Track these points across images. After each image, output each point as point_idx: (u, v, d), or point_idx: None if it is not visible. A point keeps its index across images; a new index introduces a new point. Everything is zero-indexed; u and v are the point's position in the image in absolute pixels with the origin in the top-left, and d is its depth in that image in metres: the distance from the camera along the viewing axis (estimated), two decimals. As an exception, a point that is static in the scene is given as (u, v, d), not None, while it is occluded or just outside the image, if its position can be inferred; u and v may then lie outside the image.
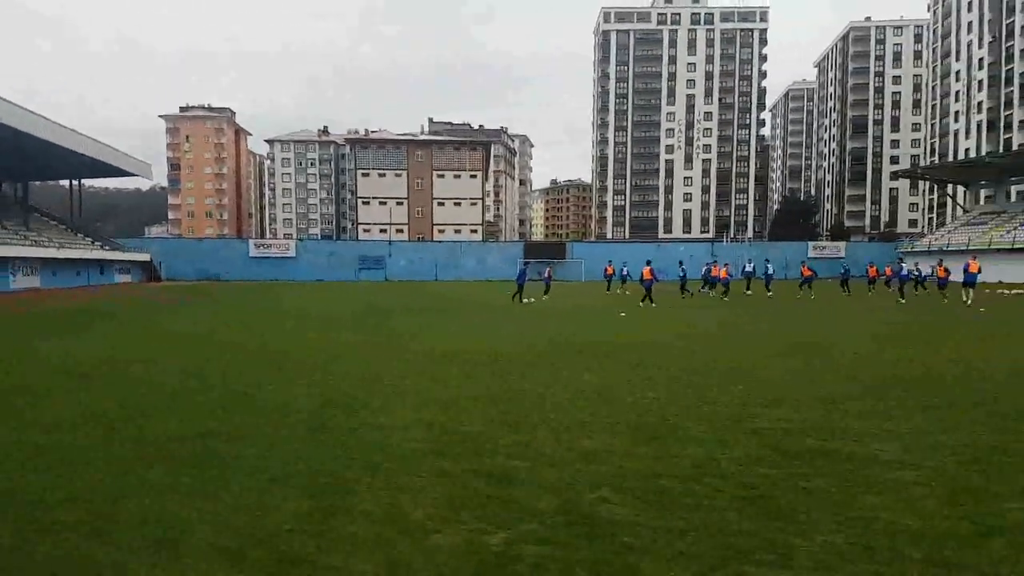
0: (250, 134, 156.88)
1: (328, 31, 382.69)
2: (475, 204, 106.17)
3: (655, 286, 28.76)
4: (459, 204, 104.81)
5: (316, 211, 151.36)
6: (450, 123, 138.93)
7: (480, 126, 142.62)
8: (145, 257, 64.38)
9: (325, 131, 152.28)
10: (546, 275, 35.63)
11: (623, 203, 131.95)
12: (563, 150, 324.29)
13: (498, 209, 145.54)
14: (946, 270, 30.22)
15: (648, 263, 28.98)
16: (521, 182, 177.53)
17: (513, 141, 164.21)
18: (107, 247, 56.74)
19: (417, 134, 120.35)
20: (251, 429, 6.87)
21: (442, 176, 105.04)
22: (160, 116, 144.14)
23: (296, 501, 4.77)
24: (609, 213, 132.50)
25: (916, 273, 36.78)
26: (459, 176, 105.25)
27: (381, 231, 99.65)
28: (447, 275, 76.37)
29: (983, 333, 16.41)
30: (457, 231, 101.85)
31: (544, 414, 7.48)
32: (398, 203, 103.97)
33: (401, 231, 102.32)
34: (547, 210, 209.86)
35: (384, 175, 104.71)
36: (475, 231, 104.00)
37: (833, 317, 21.65)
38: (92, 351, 13.06)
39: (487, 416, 7.41)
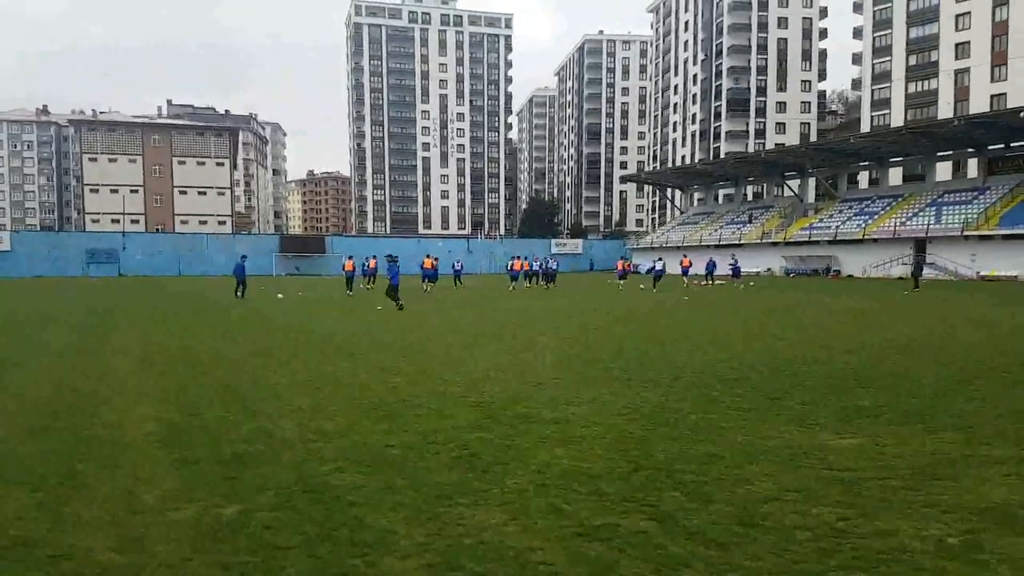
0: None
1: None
2: (223, 194, 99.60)
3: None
4: (204, 193, 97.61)
5: (35, 199, 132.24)
6: (192, 107, 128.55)
7: (226, 111, 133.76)
8: None
9: (44, 110, 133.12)
10: (458, 266, 39.28)
11: (383, 197, 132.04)
12: (320, 141, 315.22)
13: (250, 200, 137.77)
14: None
15: (388, 256, 30.47)
16: (275, 172, 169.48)
17: (264, 129, 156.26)
18: None
19: (154, 117, 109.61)
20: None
21: (184, 163, 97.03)
22: None
23: (24, 494, 4.76)
24: (369, 207, 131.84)
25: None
26: (203, 163, 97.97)
27: (113, 221, 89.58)
28: (193, 270, 71.09)
29: (680, 318, 19.56)
30: (203, 222, 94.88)
31: (285, 403, 7.83)
32: (132, 191, 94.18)
33: (137, 222, 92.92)
34: (305, 202, 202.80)
35: (115, 160, 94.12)
36: (223, 222, 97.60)
37: (548, 307, 24.19)
38: None
39: (224, 408, 7.60)
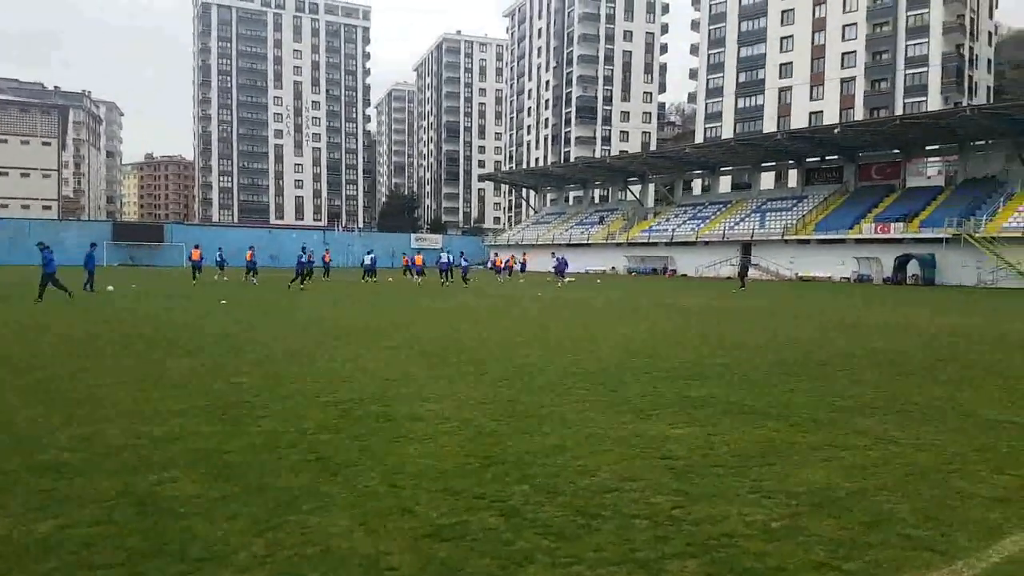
0: None
1: None
2: (48, 176, 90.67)
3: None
4: (27, 175, 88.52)
5: None
6: (17, 80, 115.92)
7: (56, 87, 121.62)
8: None
9: None
10: (464, 262, 39.83)
11: (230, 185, 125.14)
12: (161, 123, 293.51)
13: (79, 183, 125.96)
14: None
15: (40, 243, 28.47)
16: (109, 154, 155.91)
17: (98, 107, 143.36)
18: None
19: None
20: None
21: (5, 141, 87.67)
22: None
23: None
24: (215, 195, 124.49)
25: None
26: (27, 142, 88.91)
27: (-87, 204, 78.73)
28: (11, 259, 63.95)
29: (533, 315, 20.04)
30: (25, 207, 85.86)
31: (110, 406, 7.20)
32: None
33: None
34: (142, 188, 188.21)
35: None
36: (49, 207, 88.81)
37: (392, 303, 24.06)
38: None
39: (40, 412, 6.89)
